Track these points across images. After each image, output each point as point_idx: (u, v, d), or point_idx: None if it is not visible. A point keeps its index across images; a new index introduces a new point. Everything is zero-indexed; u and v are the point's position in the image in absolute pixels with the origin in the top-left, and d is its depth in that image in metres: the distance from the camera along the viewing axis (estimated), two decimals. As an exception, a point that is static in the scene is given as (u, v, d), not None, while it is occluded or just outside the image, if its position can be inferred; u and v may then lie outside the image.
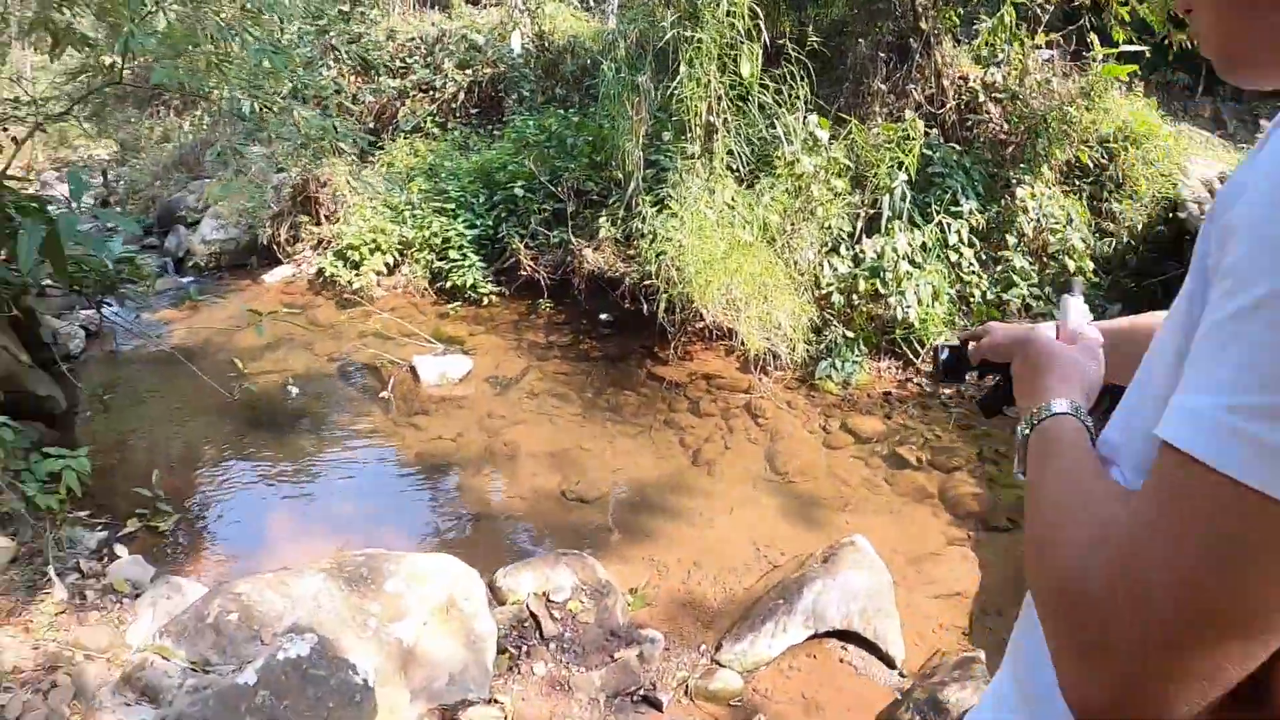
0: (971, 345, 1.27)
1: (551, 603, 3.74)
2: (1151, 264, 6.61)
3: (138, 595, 3.92)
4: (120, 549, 4.40)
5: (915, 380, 6.11)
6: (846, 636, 3.60)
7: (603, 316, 7.38)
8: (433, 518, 4.85)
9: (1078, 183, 6.91)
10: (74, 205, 4.22)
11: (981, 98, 7.14)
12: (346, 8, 11.33)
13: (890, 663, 3.54)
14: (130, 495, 4.81)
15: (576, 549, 4.32)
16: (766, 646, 3.48)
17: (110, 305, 6.52)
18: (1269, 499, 0.57)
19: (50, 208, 4.26)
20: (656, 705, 3.28)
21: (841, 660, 3.55)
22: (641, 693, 3.35)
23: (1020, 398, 1.05)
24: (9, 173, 5.69)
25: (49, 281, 5.26)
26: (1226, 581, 0.59)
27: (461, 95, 10.41)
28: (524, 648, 3.54)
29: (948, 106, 7.18)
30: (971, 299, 6.30)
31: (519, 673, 3.42)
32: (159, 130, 13.06)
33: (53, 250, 3.77)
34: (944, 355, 1.35)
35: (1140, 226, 6.70)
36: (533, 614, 3.67)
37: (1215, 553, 0.60)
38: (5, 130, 6.80)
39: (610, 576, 3.97)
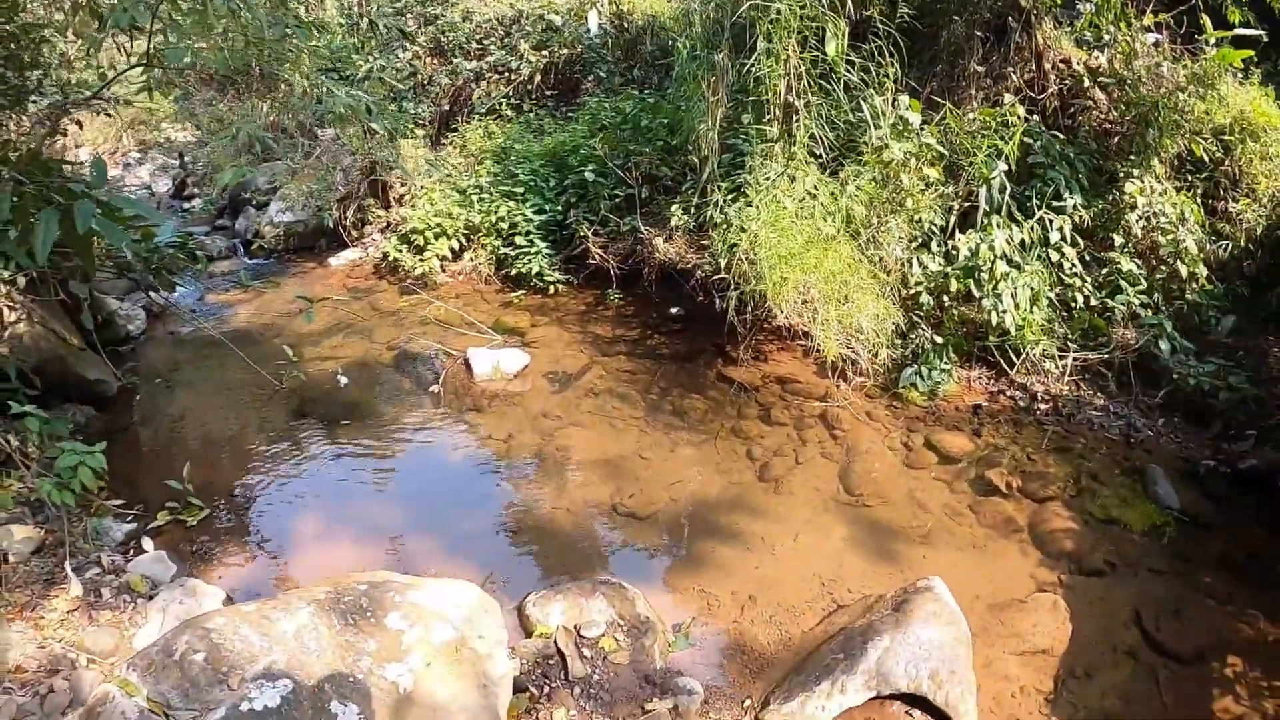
0: None
1: (583, 638, 3.36)
2: (1271, 271, 5.92)
3: (153, 595, 3.81)
4: (147, 543, 4.28)
5: (1009, 392, 5.55)
6: (913, 700, 3.13)
7: (673, 310, 6.98)
8: (468, 529, 4.50)
9: (1190, 178, 6.22)
10: (93, 190, 4.01)
11: (1086, 83, 6.49)
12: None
13: (962, 736, 3.06)
14: (164, 486, 4.63)
15: (621, 573, 3.96)
16: (819, 708, 3.03)
17: (154, 287, 6.39)
18: None
19: (77, 183, 4.09)
20: (689, 770, 2.88)
21: (905, 731, 3.09)
22: (674, 754, 2.95)
23: None
24: (65, 157, 5.56)
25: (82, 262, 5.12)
26: None
27: (537, 77, 10.07)
28: (546, 689, 3.18)
29: (1049, 92, 6.55)
30: (1073, 304, 5.71)
31: (536, 719, 3.05)
32: (239, 113, 13.07)
33: (73, 236, 3.59)
34: None
35: (1259, 230, 6.00)
36: (560, 650, 3.30)
37: None
38: (69, 114, 6.73)
39: (652, 611, 3.59)
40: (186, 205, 11.55)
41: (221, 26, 4.46)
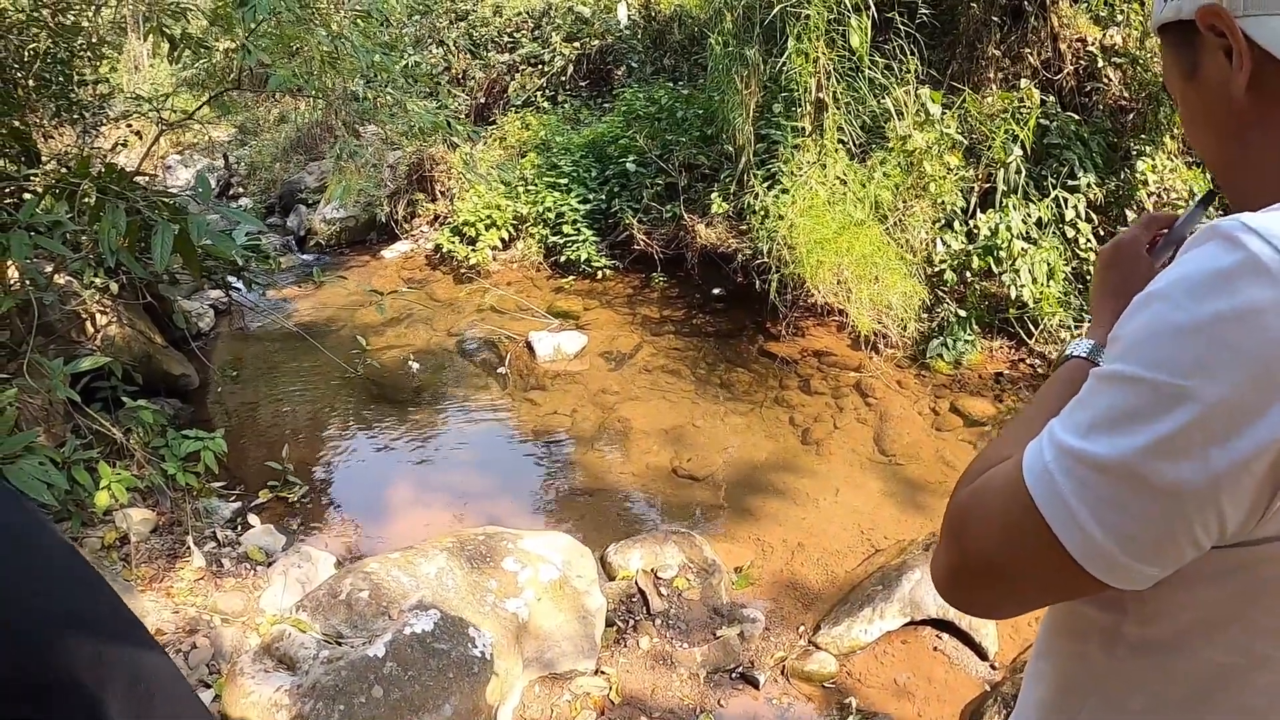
0: None
1: (659, 579, 3.91)
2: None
3: (270, 563, 4.22)
4: (253, 519, 4.71)
5: (1028, 360, 6.04)
6: (942, 626, 3.67)
7: (715, 291, 7.47)
8: (548, 492, 5.07)
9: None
10: (199, 202, 4.50)
11: (1100, 62, 6.88)
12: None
13: (983, 654, 3.59)
14: (261, 467, 5.15)
15: (686, 526, 4.49)
16: (863, 631, 3.59)
17: (238, 288, 6.92)
18: (1045, 523, 0.72)
19: (179, 197, 4.58)
20: (754, 683, 3.43)
21: (935, 649, 3.63)
22: (740, 670, 3.51)
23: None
24: (138, 169, 6.10)
25: (178, 268, 5.64)
26: (1005, 558, 0.78)
27: (570, 68, 10.48)
28: (631, 622, 3.73)
29: (1065, 72, 6.95)
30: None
31: (625, 646, 3.61)
32: (275, 112, 13.51)
33: (184, 246, 4.04)
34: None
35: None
36: (641, 590, 3.85)
37: (1007, 536, 0.77)
38: (130, 126, 7.27)
39: (716, 555, 4.13)
40: (234, 205, 11.99)
41: (310, 46, 4.93)
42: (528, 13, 11.22)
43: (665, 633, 3.65)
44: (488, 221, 8.51)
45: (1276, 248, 0.65)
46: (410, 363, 6.61)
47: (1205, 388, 0.65)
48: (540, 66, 10.71)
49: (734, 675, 3.49)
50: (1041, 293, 5.97)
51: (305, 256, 9.70)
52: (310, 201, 10.47)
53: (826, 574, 4.12)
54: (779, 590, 4.01)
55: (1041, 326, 6.06)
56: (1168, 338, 0.68)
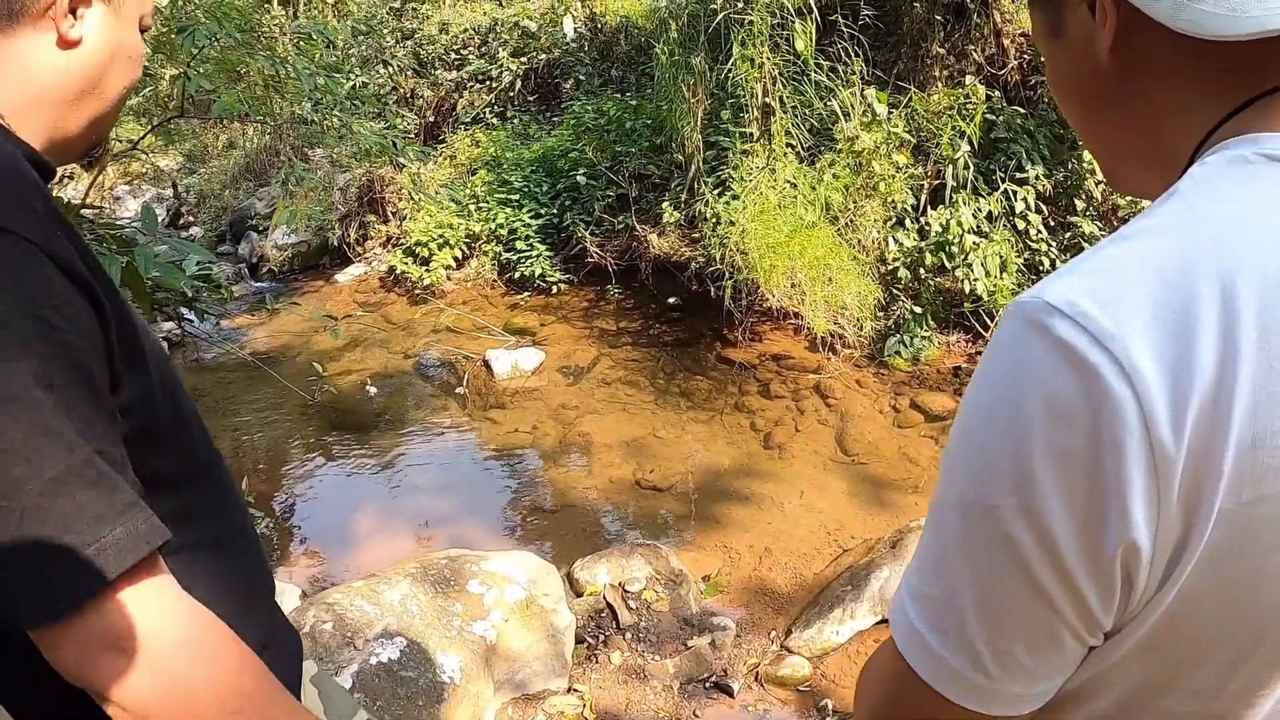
0: None
1: (627, 593, 3.87)
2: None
3: None
4: None
5: (984, 353, 6.08)
6: (914, 621, 3.67)
7: (670, 300, 7.44)
8: (512, 511, 5.01)
9: (1146, 141, 6.71)
10: (145, 234, 4.44)
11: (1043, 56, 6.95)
12: (398, 4, 11.46)
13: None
14: (223, 501, 5.06)
15: (652, 538, 4.45)
16: (835, 632, 3.57)
17: (190, 319, 6.81)
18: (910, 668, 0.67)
19: (127, 230, 4.51)
20: (728, 691, 3.40)
21: (908, 645, 3.62)
22: (713, 679, 3.48)
23: None
24: (84, 201, 5.98)
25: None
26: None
27: (518, 84, 10.43)
28: (601, 637, 3.69)
29: (1009, 67, 7.03)
30: (1041, 267, 6.22)
31: (596, 662, 3.57)
32: (223, 139, 13.36)
33: (133, 279, 3.98)
34: None
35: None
36: (609, 605, 3.81)
37: (892, 696, 0.72)
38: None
39: (683, 565, 4.10)
40: (185, 235, 11.79)
41: (253, 72, 4.87)
42: (474, 29, 11.15)
43: (636, 646, 3.61)
44: (440, 241, 8.44)
45: (1084, 328, 0.56)
46: (368, 387, 6.54)
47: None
48: (488, 83, 10.65)
49: (708, 685, 3.46)
50: (995, 285, 6.01)
51: (258, 284, 9.57)
52: (261, 228, 10.31)
53: (795, 577, 4.10)
54: (748, 596, 3.99)
55: (997, 319, 6.09)
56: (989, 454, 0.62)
